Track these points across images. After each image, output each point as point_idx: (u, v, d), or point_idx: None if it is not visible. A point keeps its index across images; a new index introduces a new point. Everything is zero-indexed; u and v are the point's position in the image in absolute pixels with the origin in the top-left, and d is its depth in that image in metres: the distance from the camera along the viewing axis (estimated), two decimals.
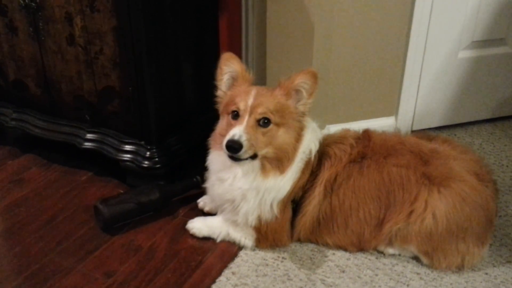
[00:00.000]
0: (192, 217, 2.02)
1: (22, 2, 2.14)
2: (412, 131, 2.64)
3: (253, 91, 1.72)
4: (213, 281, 1.77)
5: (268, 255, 1.88)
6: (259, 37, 2.53)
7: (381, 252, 1.88)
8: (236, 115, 1.71)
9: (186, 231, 1.98)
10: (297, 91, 1.73)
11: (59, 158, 2.44)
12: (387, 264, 1.84)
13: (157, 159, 2.16)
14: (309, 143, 1.80)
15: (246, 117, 1.68)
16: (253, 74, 1.81)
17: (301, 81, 1.71)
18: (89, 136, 2.27)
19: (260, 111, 1.67)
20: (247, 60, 2.59)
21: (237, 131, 1.65)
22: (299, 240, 1.92)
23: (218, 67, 1.80)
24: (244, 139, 1.64)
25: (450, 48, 2.51)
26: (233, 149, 1.64)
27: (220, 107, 1.83)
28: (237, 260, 1.85)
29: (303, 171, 1.79)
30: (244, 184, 1.77)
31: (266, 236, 1.86)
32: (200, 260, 1.86)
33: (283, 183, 1.76)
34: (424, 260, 1.82)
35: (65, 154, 2.44)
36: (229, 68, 1.79)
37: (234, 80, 1.80)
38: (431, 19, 2.40)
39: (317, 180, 1.80)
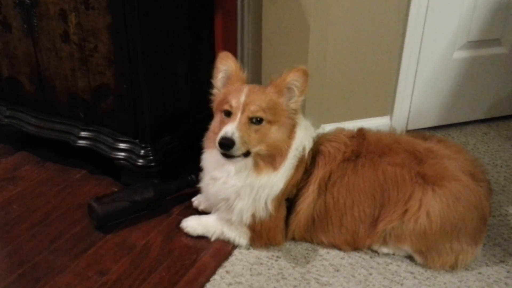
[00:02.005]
0: (187, 215, 2.01)
1: None
2: (407, 131, 2.64)
3: (245, 89, 1.73)
4: (207, 280, 1.76)
5: (263, 254, 1.87)
6: (254, 37, 2.53)
7: (375, 251, 1.88)
8: (228, 113, 1.71)
9: (180, 230, 1.97)
10: (289, 89, 1.74)
11: (53, 156, 2.43)
12: (381, 263, 1.84)
13: (151, 157, 2.16)
14: (302, 140, 1.80)
15: (239, 115, 1.68)
16: (248, 73, 1.83)
17: (293, 79, 1.72)
18: (83, 134, 2.26)
19: (252, 109, 1.68)
20: (242, 59, 2.59)
21: (230, 129, 1.65)
22: (293, 239, 1.92)
23: (214, 66, 1.81)
24: (236, 136, 1.64)
25: (445, 48, 2.52)
26: (226, 146, 1.64)
27: (214, 105, 1.84)
28: (232, 259, 1.85)
29: (296, 168, 1.79)
30: (238, 181, 1.76)
31: (261, 235, 1.86)
32: (194, 259, 1.85)
33: (276, 180, 1.76)
34: (418, 259, 1.82)
35: (59, 152, 2.42)
36: (224, 66, 1.81)
37: (228, 78, 1.81)
38: (426, 19, 2.41)
39: (311, 178, 1.81)
